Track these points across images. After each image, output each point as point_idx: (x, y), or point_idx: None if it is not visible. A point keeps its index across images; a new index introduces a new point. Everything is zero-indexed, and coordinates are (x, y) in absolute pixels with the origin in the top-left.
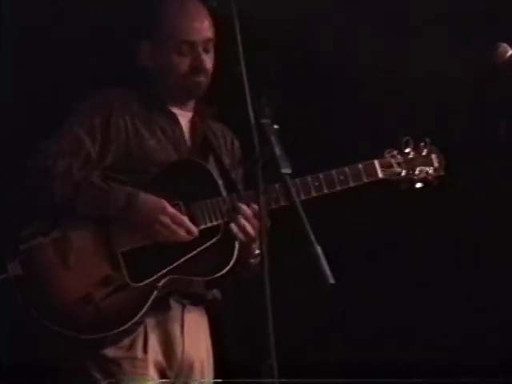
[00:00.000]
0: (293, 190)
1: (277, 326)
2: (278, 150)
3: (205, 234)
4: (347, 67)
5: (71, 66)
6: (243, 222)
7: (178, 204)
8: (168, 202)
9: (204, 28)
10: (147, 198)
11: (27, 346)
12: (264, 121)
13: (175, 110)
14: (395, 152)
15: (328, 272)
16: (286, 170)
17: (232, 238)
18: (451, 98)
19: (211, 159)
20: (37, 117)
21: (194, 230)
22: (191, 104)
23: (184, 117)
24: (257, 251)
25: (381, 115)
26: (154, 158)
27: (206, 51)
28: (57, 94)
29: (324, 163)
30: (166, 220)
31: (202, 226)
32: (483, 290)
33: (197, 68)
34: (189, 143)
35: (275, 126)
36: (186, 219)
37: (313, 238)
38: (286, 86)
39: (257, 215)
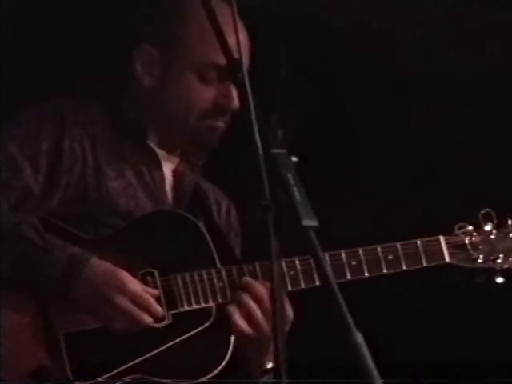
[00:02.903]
0: (322, 256)
1: None
2: (297, 193)
3: (189, 319)
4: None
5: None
6: (250, 303)
7: (151, 273)
8: (134, 269)
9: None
10: (100, 267)
11: None
12: (277, 151)
13: (158, 151)
14: (470, 228)
15: (374, 369)
16: (310, 223)
17: (226, 327)
18: None
19: (201, 222)
20: None
21: (161, 314)
22: (179, 147)
23: (168, 162)
24: (269, 365)
25: (449, 172)
26: (119, 205)
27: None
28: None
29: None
30: (124, 302)
31: (185, 308)
32: None
33: (222, 106)
34: (170, 198)
35: (293, 159)
36: (153, 301)
37: (351, 322)
38: (306, 100)
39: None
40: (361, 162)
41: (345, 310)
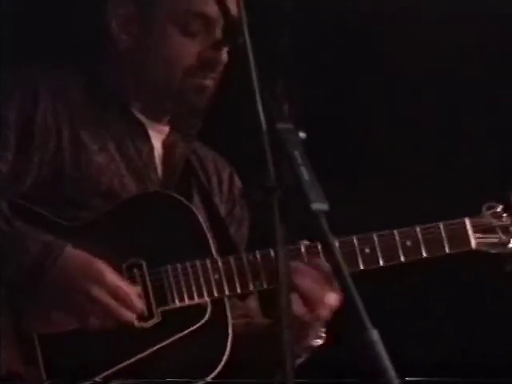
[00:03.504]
0: (335, 246)
1: None
2: (305, 174)
3: (181, 317)
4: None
5: None
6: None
7: (138, 265)
8: (118, 260)
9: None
10: (75, 256)
11: None
12: (282, 126)
13: (143, 118)
14: (500, 208)
15: (390, 368)
16: (320, 206)
17: (222, 324)
18: None
19: (196, 200)
20: None
21: (143, 310)
22: (167, 114)
23: (157, 132)
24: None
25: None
26: (101, 183)
27: None
28: None
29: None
30: (101, 294)
31: (177, 304)
32: None
33: (209, 61)
34: (160, 173)
35: (301, 134)
36: (133, 295)
37: (367, 318)
38: (315, 69)
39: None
40: (374, 137)
41: (359, 305)
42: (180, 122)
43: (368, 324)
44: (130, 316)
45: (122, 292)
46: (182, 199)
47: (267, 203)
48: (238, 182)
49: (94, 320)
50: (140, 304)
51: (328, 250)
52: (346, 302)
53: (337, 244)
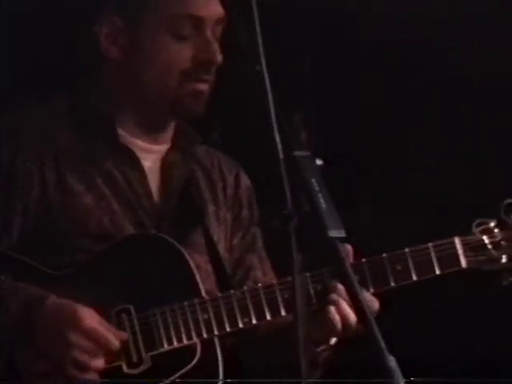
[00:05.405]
0: (352, 274)
1: None
2: (322, 201)
3: (170, 360)
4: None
5: None
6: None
7: (127, 310)
8: (107, 306)
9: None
10: (57, 305)
11: None
12: (299, 153)
13: (136, 141)
14: (491, 224)
15: None
16: (337, 233)
17: (213, 363)
18: None
19: (194, 225)
20: None
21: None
22: (167, 130)
23: (150, 153)
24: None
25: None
26: (89, 225)
27: (216, 37)
28: None
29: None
30: (78, 339)
31: (166, 348)
32: None
33: (204, 63)
34: (156, 198)
35: (318, 162)
36: (112, 337)
37: (384, 346)
38: (332, 97)
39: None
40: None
41: (376, 331)
42: (181, 136)
43: (385, 352)
44: (101, 362)
45: (100, 335)
46: (173, 241)
47: (284, 231)
48: (245, 182)
49: (71, 366)
50: (116, 343)
51: (345, 277)
52: (365, 329)
53: (325, 272)
